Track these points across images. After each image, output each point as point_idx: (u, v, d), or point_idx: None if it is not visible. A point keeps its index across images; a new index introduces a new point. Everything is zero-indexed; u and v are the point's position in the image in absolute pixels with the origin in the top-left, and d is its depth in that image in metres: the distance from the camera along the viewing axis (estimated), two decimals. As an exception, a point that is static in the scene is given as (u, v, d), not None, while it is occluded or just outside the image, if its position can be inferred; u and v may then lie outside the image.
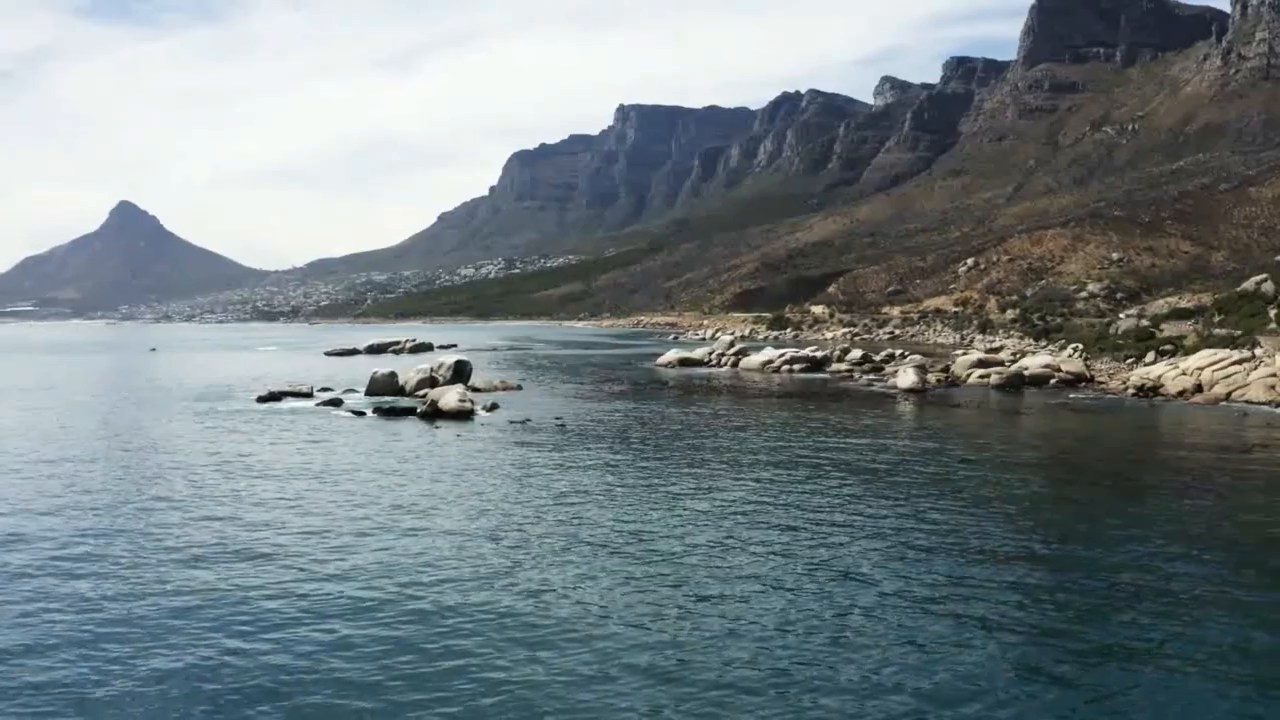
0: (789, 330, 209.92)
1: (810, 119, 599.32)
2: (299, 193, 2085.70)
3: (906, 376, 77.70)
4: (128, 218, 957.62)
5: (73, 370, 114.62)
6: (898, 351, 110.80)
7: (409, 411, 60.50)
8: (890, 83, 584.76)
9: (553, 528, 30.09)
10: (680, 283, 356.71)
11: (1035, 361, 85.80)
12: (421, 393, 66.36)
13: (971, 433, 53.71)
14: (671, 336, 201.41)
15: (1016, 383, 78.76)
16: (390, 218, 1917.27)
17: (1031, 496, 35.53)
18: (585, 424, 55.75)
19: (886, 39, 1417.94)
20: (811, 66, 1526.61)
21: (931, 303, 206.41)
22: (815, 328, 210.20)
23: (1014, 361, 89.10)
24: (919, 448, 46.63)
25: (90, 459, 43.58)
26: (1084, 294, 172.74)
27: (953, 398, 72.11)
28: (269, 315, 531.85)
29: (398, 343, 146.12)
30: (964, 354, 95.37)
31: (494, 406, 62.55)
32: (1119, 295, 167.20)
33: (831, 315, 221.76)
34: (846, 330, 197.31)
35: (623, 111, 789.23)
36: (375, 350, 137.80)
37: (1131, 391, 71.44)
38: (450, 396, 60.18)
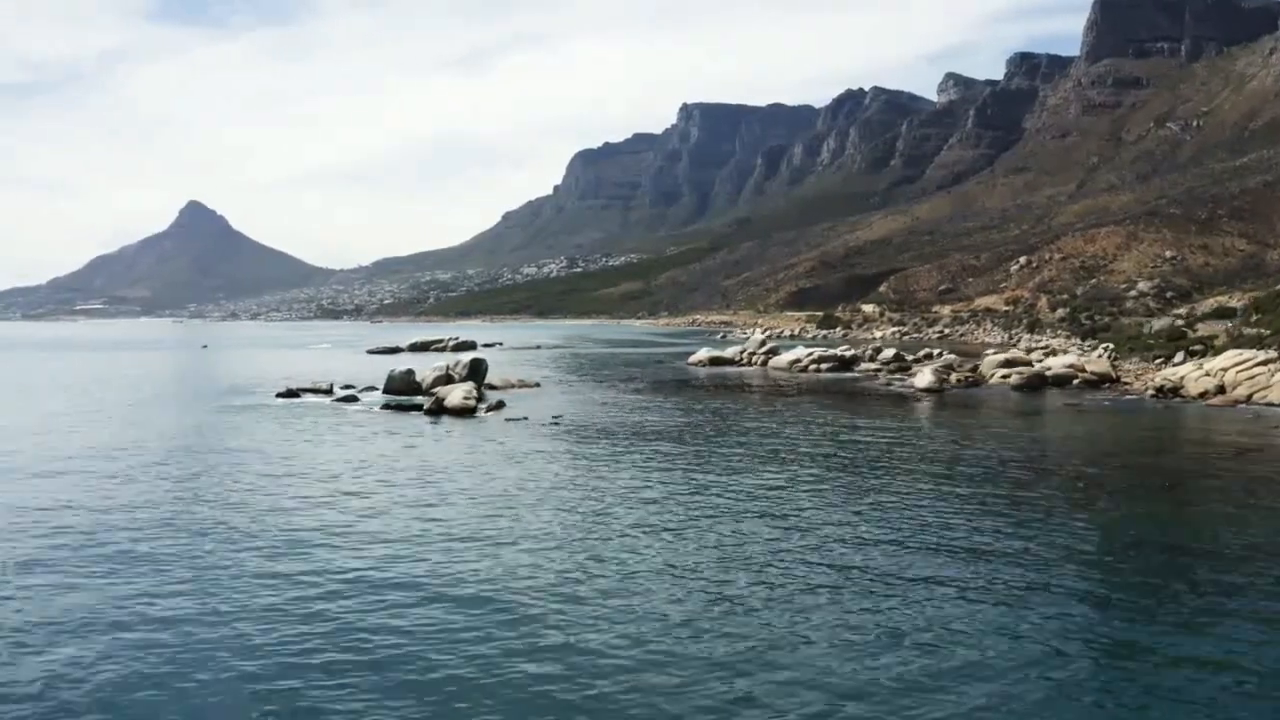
0: (839, 329, 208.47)
1: (873, 116, 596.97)
2: (366, 192, 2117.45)
3: (924, 377, 77.65)
4: (196, 217, 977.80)
5: (119, 366, 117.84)
6: (936, 351, 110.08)
7: (417, 408, 61.60)
8: (954, 79, 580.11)
9: (498, 519, 30.69)
10: (738, 281, 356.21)
11: (1059, 362, 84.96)
12: (434, 390, 67.30)
13: (963, 432, 53.41)
14: (720, 335, 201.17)
15: (1037, 383, 78.03)
16: (456, 217, 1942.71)
17: (981, 496, 35.37)
18: (583, 421, 56.37)
19: (951, 36, 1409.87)
20: (875, 64, 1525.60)
21: (982, 301, 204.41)
22: (865, 326, 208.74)
23: (1039, 362, 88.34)
24: (901, 444, 46.54)
25: (82, 455, 44.80)
26: (1134, 293, 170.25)
27: (968, 398, 71.73)
28: (333, 313, 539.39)
29: (440, 341, 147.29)
30: (993, 354, 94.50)
31: (500, 404, 63.45)
32: (1169, 294, 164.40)
33: (882, 314, 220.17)
34: (895, 329, 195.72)
35: (686, 110, 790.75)
36: (418, 348, 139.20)
37: (1151, 393, 70.57)
38: (456, 394, 61.23)
